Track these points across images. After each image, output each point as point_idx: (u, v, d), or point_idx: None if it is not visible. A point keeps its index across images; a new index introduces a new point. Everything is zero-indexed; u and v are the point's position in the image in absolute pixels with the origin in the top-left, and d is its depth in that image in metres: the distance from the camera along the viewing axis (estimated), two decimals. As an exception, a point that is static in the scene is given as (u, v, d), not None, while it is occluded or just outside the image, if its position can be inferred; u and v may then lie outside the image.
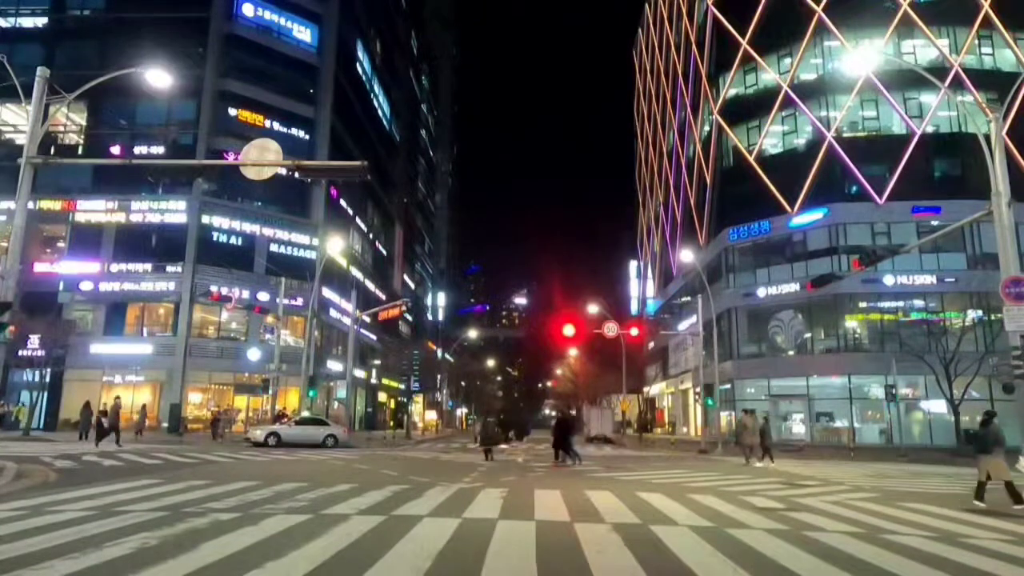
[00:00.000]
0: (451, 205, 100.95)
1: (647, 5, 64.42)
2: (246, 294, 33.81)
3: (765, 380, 37.00)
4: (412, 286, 68.63)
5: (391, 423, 52.41)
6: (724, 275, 39.88)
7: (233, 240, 35.44)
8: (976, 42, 36.01)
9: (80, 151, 35.57)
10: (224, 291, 30.38)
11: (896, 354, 28.56)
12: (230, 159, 25.46)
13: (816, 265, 34.27)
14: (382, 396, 55.86)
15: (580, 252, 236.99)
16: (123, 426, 23.29)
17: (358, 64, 47.56)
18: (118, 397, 25.05)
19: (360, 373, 44.61)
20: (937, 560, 5.96)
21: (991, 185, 11.85)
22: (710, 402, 30.52)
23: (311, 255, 36.88)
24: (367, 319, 39.52)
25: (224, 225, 35.14)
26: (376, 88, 52.87)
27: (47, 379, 28.74)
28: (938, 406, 30.70)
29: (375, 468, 14.99)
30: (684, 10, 49.99)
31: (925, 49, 36.42)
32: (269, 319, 33.91)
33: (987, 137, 12.12)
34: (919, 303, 34.32)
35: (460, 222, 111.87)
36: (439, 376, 60.41)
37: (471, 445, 27.08)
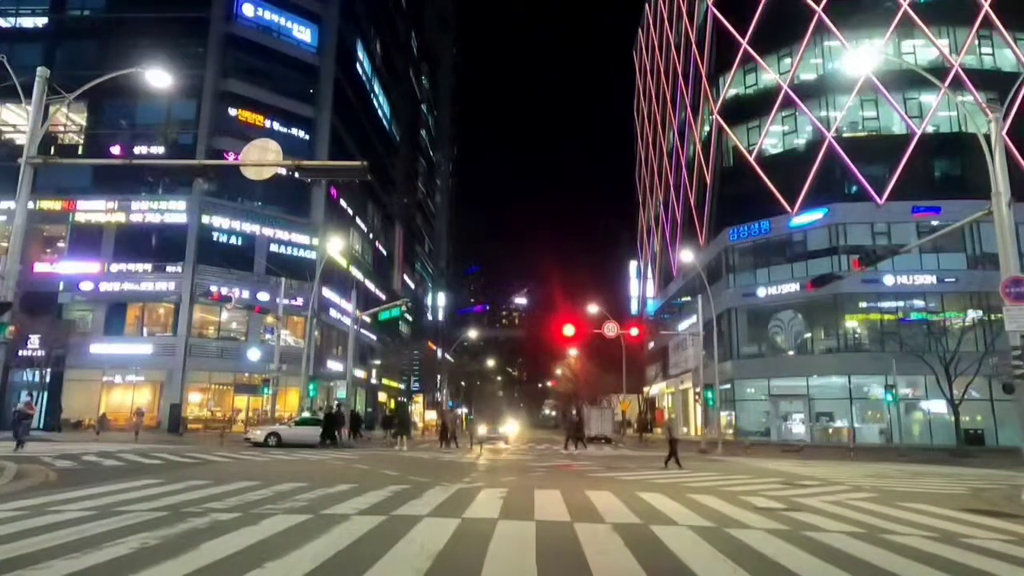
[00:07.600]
0: (451, 205, 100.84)
1: (647, 5, 64.41)
2: (246, 294, 33.83)
3: (765, 380, 37.01)
4: (412, 286, 68.60)
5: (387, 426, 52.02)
6: (724, 275, 39.89)
7: (233, 240, 35.44)
8: (976, 42, 36.03)
9: (80, 151, 35.55)
10: (224, 291, 30.39)
11: (896, 354, 28.57)
12: (230, 159, 25.48)
13: (816, 265, 34.29)
14: (382, 396, 55.83)
15: (580, 252, 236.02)
16: (123, 426, 23.35)
17: (358, 64, 47.55)
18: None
19: (360, 373, 44.59)
20: (937, 560, 5.96)
21: (991, 185, 11.83)
22: (710, 402, 30.51)
23: (311, 255, 36.87)
24: (367, 319, 39.52)
25: (224, 225, 35.13)
26: (376, 88, 52.85)
27: (47, 379, 28.76)
28: (938, 406, 30.73)
29: (375, 468, 14.99)
30: (684, 10, 49.99)
31: (925, 49, 36.44)
32: (269, 319, 33.94)
33: (987, 137, 12.10)
34: (919, 303, 34.33)
35: (460, 222, 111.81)
36: (439, 376, 60.43)
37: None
